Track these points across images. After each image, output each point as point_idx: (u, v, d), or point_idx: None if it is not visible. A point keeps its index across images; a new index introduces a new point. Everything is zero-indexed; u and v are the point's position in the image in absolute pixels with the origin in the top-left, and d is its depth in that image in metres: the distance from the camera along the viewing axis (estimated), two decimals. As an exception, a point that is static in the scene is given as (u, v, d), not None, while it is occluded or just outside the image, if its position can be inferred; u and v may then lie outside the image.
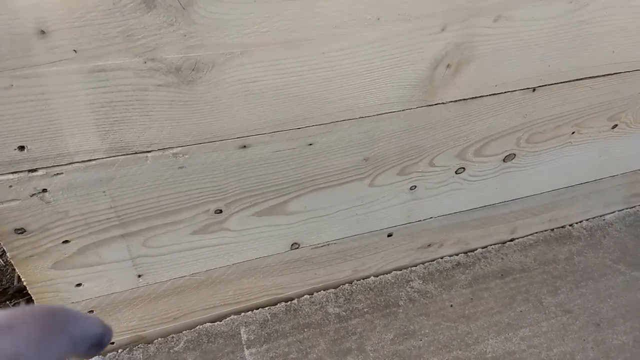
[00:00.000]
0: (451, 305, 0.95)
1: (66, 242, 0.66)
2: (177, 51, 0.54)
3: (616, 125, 0.94)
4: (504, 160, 0.89)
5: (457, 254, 1.05)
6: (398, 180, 0.83)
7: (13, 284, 1.06)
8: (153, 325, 0.85)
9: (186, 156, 0.64)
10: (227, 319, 0.90)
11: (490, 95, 0.77)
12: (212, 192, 0.70)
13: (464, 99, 0.75)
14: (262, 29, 0.57)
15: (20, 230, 0.63)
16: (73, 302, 0.74)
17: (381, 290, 0.97)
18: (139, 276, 0.75)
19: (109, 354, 0.85)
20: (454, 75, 0.71)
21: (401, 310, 0.93)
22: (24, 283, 0.69)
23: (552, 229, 1.12)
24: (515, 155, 0.89)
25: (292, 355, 0.85)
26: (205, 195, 0.70)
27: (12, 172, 0.58)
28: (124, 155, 0.60)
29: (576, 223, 1.14)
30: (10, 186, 0.59)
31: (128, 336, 0.84)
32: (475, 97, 0.76)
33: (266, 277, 0.88)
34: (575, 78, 0.81)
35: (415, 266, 1.02)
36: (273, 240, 0.82)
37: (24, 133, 0.55)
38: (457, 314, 0.93)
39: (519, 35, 0.70)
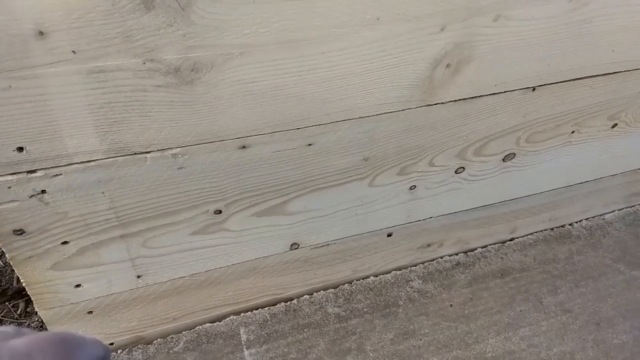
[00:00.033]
0: (451, 305, 0.95)
1: (65, 243, 0.66)
2: (176, 52, 0.54)
3: (616, 124, 0.94)
4: (503, 160, 0.89)
5: (456, 254, 1.05)
6: (398, 180, 0.83)
7: (12, 284, 1.06)
8: (152, 326, 0.84)
9: (185, 157, 0.64)
10: (227, 319, 0.90)
11: (490, 94, 0.77)
12: (211, 193, 0.70)
13: (464, 99, 0.75)
14: (261, 29, 0.56)
15: (19, 231, 0.63)
16: (72, 303, 0.74)
17: (381, 290, 0.97)
18: (139, 277, 0.75)
19: (108, 355, 0.84)
20: (454, 75, 0.71)
21: (401, 310, 0.93)
22: (23, 284, 0.69)
23: (552, 229, 1.12)
24: (515, 154, 0.89)
25: (291, 356, 0.85)
26: (204, 196, 0.70)
27: (11, 174, 0.58)
28: (123, 156, 0.60)
29: (576, 222, 1.14)
30: (9, 187, 0.58)
31: (127, 337, 0.84)
32: (475, 97, 0.76)
33: (266, 278, 0.88)
34: (575, 77, 0.81)
35: (415, 266, 1.02)
36: (273, 241, 0.82)
37: (23, 134, 0.55)
38: (456, 314, 0.93)
39: (518, 35, 0.70)
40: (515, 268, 1.02)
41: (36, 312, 0.96)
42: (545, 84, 0.79)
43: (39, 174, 0.58)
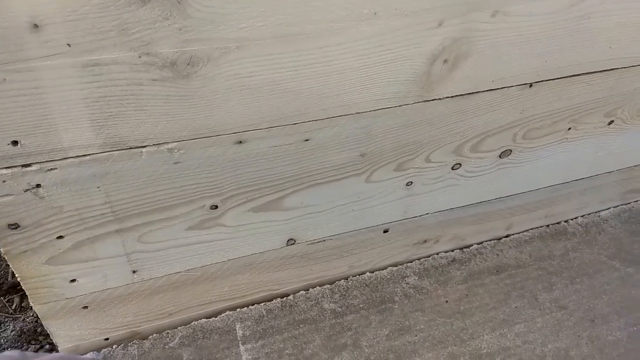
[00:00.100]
0: (446, 301, 0.95)
1: (60, 237, 0.66)
2: (172, 45, 0.54)
3: (612, 121, 0.94)
4: (500, 156, 0.89)
5: (452, 250, 1.05)
6: (394, 176, 0.82)
7: (7, 279, 1.05)
8: (148, 321, 0.84)
9: (181, 151, 0.64)
10: (223, 314, 0.90)
11: (487, 90, 0.76)
12: (207, 188, 0.70)
13: (461, 95, 0.75)
14: (258, 23, 0.56)
15: (14, 226, 0.63)
16: (67, 298, 0.74)
17: (377, 286, 0.97)
18: (134, 272, 0.75)
19: (103, 350, 0.84)
20: (451, 71, 0.71)
21: (396, 306, 0.93)
22: (18, 279, 0.69)
23: (548, 225, 1.12)
24: (511, 151, 0.89)
25: (287, 351, 0.85)
26: (201, 191, 0.70)
27: (6, 167, 0.57)
28: (118, 150, 0.60)
29: (572, 219, 1.14)
30: (4, 181, 0.58)
31: (123, 332, 0.84)
32: (473, 93, 0.76)
33: (262, 273, 0.88)
34: (573, 74, 0.81)
35: (411, 262, 1.02)
36: (269, 236, 0.82)
37: (18, 128, 0.54)
38: (452, 310, 0.93)
39: (516, 31, 0.70)
40: (510, 264, 1.03)
41: (31, 307, 0.96)
42: (543, 80, 0.79)
43: (33, 167, 0.58)
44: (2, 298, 1.03)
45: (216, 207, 0.73)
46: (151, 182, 0.65)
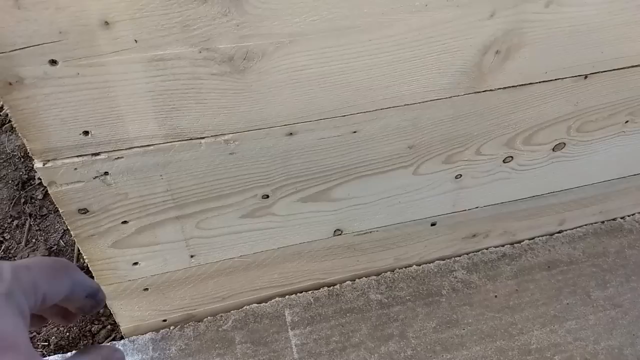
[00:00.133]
0: (495, 296, 0.94)
1: (125, 222, 0.70)
2: (230, 41, 0.56)
3: (675, 114, 0.90)
4: (553, 150, 0.87)
5: (502, 245, 1.04)
6: (443, 169, 0.83)
7: (72, 263, 1.13)
8: (203, 304, 0.89)
9: (237, 142, 0.67)
10: (273, 300, 0.93)
11: (540, 82, 0.75)
12: (259, 178, 0.73)
13: (513, 86, 0.74)
14: (311, 17, 0.58)
15: (84, 211, 0.67)
16: (130, 280, 0.79)
17: (423, 279, 0.98)
18: (192, 256, 0.79)
19: (161, 331, 0.89)
20: (503, 62, 0.70)
21: (444, 300, 0.94)
22: (86, 260, 0.74)
23: (603, 222, 1.09)
24: (565, 144, 0.87)
25: (334, 339, 0.87)
26: (253, 181, 0.72)
27: (77, 156, 0.62)
28: (179, 141, 0.64)
29: (628, 216, 1.10)
30: (75, 169, 0.63)
31: (180, 314, 0.89)
32: (525, 85, 0.75)
33: (310, 262, 0.90)
34: (631, 65, 0.78)
35: (459, 256, 1.02)
36: (317, 226, 0.84)
37: (89, 119, 0.59)
38: (501, 305, 0.92)
39: (570, 21, 0.69)
40: (563, 261, 1.00)
41: (95, 289, 1.02)
42: (599, 72, 0.77)
43: (102, 156, 0.63)
44: (68, 280, 1.11)
45: (267, 196, 0.75)
46: (209, 172, 0.68)
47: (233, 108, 0.63)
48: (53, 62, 0.53)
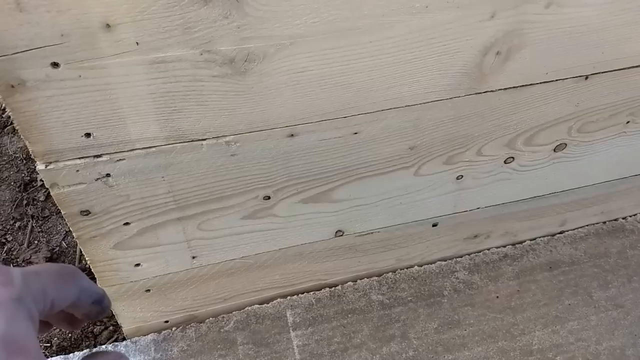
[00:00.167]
0: (497, 297, 0.94)
1: (127, 224, 0.71)
2: (231, 43, 0.56)
3: (676, 114, 0.90)
4: (554, 150, 0.87)
5: (504, 246, 1.04)
6: (444, 170, 0.83)
7: (74, 265, 1.13)
8: (205, 305, 0.89)
9: (238, 144, 0.67)
10: (274, 301, 0.93)
11: (540, 83, 0.75)
12: (261, 179, 0.73)
13: (514, 87, 0.74)
14: (311, 19, 0.58)
15: (86, 212, 0.68)
16: (132, 281, 0.79)
17: (425, 280, 0.98)
18: (194, 258, 0.79)
19: (163, 332, 0.89)
20: (504, 63, 0.70)
21: (446, 300, 0.94)
22: (88, 262, 0.75)
23: (604, 222, 1.09)
24: (566, 144, 0.87)
25: (336, 339, 0.87)
26: (254, 182, 0.73)
27: (79, 158, 0.62)
28: (181, 142, 0.64)
29: (630, 216, 1.10)
30: (77, 170, 0.63)
31: (181, 315, 0.89)
32: (525, 85, 0.75)
33: (311, 263, 0.90)
34: (632, 65, 0.78)
35: (461, 257, 1.02)
36: (318, 227, 0.84)
37: (91, 121, 0.59)
38: (503, 305, 0.92)
39: (571, 22, 0.69)
40: (564, 261, 1.00)
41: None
42: (599, 72, 0.77)
43: (104, 158, 0.63)
44: (70, 282, 1.11)
45: (269, 197, 0.76)
46: (210, 173, 0.69)
47: (234, 110, 0.63)
48: (55, 65, 0.53)
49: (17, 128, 0.57)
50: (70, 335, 0.98)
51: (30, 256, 1.12)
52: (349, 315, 0.91)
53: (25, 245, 1.15)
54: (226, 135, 0.66)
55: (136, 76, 0.56)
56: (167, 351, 0.86)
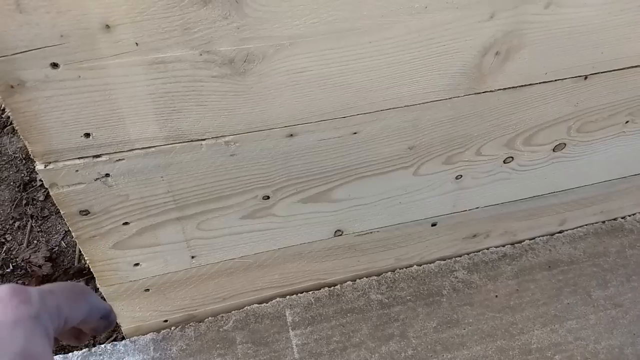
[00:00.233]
0: (496, 296, 0.94)
1: (126, 223, 0.71)
2: (230, 43, 0.56)
3: (675, 114, 0.90)
4: (553, 150, 0.87)
5: (503, 245, 1.04)
6: (443, 170, 0.83)
7: (74, 264, 1.13)
8: (204, 305, 0.89)
9: (237, 144, 0.67)
10: (273, 301, 0.93)
11: (540, 83, 0.75)
12: (260, 179, 0.73)
13: (513, 87, 0.74)
14: (311, 20, 0.58)
15: (85, 212, 0.68)
16: (131, 281, 0.79)
17: (424, 279, 0.98)
18: (193, 257, 0.79)
19: (162, 332, 0.90)
20: (503, 63, 0.70)
21: (445, 300, 0.94)
22: (87, 261, 0.75)
23: (604, 222, 1.09)
24: (565, 144, 0.87)
25: (335, 338, 0.87)
26: (254, 182, 0.73)
27: (79, 158, 0.62)
28: (180, 142, 0.64)
29: (629, 216, 1.10)
30: (77, 170, 0.63)
31: (181, 315, 0.89)
32: (525, 85, 0.75)
33: (310, 263, 0.90)
34: (631, 65, 0.78)
35: (460, 256, 1.02)
36: (317, 227, 0.84)
37: (90, 121, 0.59)
38: (502, 305, 0.93)
39: (570, 22, 0.69)
40: (563, 261, 1.00)
41: (96, 290, 1.03)
42: (599, 72, 0.77)
43: (103, 158, 0.63)
44: (69, 281, 1.11)
45: (268, 197, 0.76)
46: (209, 173, 0.69)
47: (233, 110, 0.63)
48: (54, 65, 0.53)
49: (16, 128, 0.57)
50: (69, 334, 0.98)
51: (30, 256, 1.12)
52: (348, 315, 0.91)
53: (24, 244, 1.15)
54: (225, 135, 0.66)
55: (135, 77, 0.56)
56: (166, 350, 0.86)
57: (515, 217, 0.98)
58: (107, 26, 0.52)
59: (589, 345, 0.85)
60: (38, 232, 1.18)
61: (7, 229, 1.18)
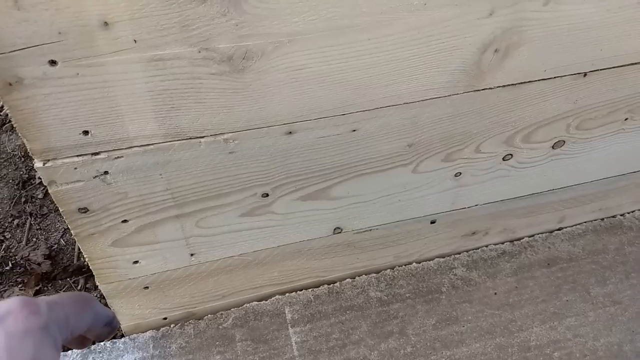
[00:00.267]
0: (495, 293, 0.94)
1: (125, 221, 0.71)
2: (229, 41, 0.56)
3: (674, 111, 0.90)
4: (553, 147, 0.87)
5: (502, 243, 1.04)
6: (443, 167, 0.83)
7: (73, 262, 1.13)
8: (203, 302, 0.89)
9: (236, 142, 0.67)
10: (273, 298, 0.93)
11: (539, 80, 0.75)
12: (259, 177, 0.73)
13: (512, 84, 0.74)
14: (310, 17, 0.58)
15: (84, 210, 0.68)
16: (130, 278, 0.79)
17: (423, 277, 0.98)
18: (192, 255, 0.79)
19: (162, 329, 0.90)
20: (502, 60, 0.70)
21: (444, 297, 0.94)
22: (86, 259, 0.75)
23: (602, 219, 1.09)
24: (564, 142, 0.87)
25: (334, 336, 0.87)
26: (253, 179, 0.73)
27: (77, 155, 0.62)
28: (179, 140, 0.64)
29: (628, 213, 1.10)
30: (75, 168, 0.63)
31: (180, 312, 0.89)
32: (524, 82, 0.75)
33: (309, 260, 0.90)
34: (630, 62, 0.78)
35: (459, 254, 1.02)
36: (317, 224, 0.84)
37: (88, 119, 0.59)
38: (501, 302, 0.93)
39: (569, 19, 0.69)
40: (562, 258, 1.01)
41: (95, 287, 1.03)
42: (598, 70, 0.77)
43: (102, 156, 0.63)
44: (68, 279, 1.11)
45: (267, 195, 0.76)
46: (208, 171, 0.69)
47: (232, 107, 0.63)
48: (52, 63, 0.53)
49: (15, 126, 0.57)
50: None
51: (29, 253, 1.12)
52: (348, 312, 0.91)
53: (23, 242, 1.15)
54: (224, 133, 0.65)
55: (134, 74, 0.56)
56: (166, 348, 0.86)
57: (514, 214, 0.98)
58: (106, 23, 0.52)
59: (588, 342, 0.85)
60: (37, 229, 1.18)
61: (6, 227, 1.18)
